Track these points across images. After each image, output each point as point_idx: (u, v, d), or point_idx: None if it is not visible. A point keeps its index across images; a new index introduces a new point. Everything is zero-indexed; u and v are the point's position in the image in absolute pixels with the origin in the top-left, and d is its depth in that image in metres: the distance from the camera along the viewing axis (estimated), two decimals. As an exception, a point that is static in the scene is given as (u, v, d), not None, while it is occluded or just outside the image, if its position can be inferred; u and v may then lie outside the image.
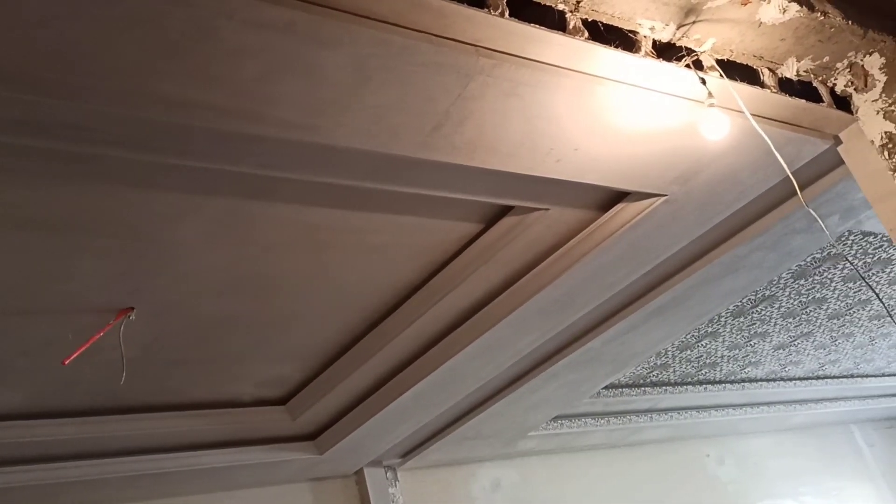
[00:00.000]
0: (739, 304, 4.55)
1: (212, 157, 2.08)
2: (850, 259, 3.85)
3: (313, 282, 3.06)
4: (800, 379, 6.48)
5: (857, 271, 3.94)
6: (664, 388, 5.66)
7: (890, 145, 2.54)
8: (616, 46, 2.08)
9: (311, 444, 4.43)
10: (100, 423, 3.48)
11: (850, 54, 2.54)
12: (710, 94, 2.14)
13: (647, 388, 5.56)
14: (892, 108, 2.54)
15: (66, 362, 2.65)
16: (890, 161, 2.53)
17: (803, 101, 2.51)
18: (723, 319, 4.75)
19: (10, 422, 3.26)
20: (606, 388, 5.23)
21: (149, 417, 3.65)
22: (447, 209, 2.83)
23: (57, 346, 2.84)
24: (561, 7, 1.99)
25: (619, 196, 2.86)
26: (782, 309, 4.83)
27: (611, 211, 2.90)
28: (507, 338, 3.57)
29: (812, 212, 2.66)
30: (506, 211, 2.94)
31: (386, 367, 3.82)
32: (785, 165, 2.41)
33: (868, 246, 4.21)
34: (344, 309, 3.36)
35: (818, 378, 6.60)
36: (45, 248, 2.42)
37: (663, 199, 2.76)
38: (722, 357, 5.45)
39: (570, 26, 2.00)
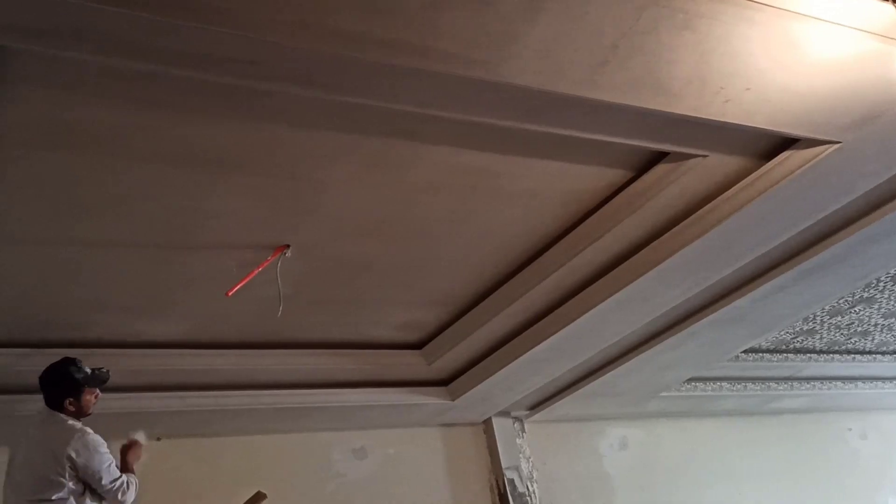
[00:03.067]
0: (903, 268, 4.23)
1: (372, 92, 2.09)
2: None
3: (457, 226, 3.07)
4: (962, 353, 6.00)
5: None
6: (808, 355, 5.37)
7: None
8: (803, -26, 1.92)
9: (444, 390, 4.50)
10: (251, 357, 3.66)
11: None
12: (909, 26, 1.95)
13: (789, 355, 5.30)
14: None
15: (230, 293, 2.78)
16: None
17: None
18: (881, 284, 4.44)
19: (176, 350, 3.48)
20: (745, 351, 5.02)
21: (294, 354, 3.80)
22: (597, 155, 2.75)
23: (216, 280, 2.99)
24: (745, -69, 1.86)
25: (785, 143, 2.69)
26: (953, 275, 4.46)
27: (775, 159, 2.73)
28: (651, 291, 3.46)
29: None
30: (659, 158, 2.82)
31: (523, 317, 3.80)
32: None
33: None
34: (485, 255, 3.35)
35: None
36: (204, 184, 2.53)
37: (836, 146, 2.57)
38: (876, 325, 5.11)
39: (754, -48, 1.87)
